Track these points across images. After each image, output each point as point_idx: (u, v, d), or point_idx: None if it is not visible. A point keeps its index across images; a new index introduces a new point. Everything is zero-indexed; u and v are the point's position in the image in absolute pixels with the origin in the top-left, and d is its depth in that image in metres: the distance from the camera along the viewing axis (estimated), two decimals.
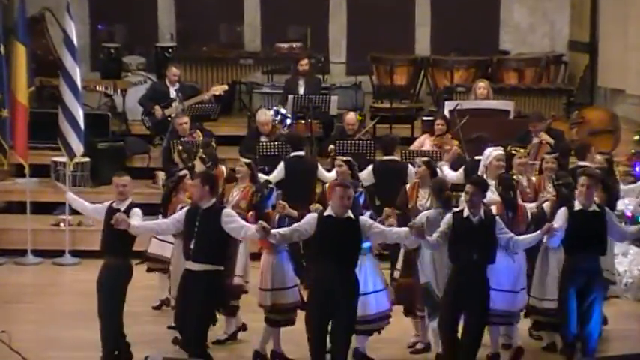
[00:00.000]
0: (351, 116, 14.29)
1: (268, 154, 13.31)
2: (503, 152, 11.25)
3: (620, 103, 17.01)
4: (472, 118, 14.07)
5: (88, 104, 15.53)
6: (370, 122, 15.88)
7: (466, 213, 9.30)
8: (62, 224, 13.80)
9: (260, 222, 9.25)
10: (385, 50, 17.41)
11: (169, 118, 14.81)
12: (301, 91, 15.57)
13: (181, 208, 9.92)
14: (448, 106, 14.49)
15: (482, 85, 14.92)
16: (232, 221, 9.31)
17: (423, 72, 17.31)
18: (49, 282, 13.00)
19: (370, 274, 9.94)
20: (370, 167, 12.49)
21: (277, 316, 10.10)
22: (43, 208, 14.22)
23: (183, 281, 9.43)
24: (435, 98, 16.85)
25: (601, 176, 10.28)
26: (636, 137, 15.37)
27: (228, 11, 18.32)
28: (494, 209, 9.99)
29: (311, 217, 9.21)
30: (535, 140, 13.50)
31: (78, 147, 13.62)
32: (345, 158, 11.16)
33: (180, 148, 11.76)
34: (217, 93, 15.51)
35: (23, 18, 13.91)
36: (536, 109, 15.41)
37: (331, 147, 13.30)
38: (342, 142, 13.66)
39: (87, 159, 14.42)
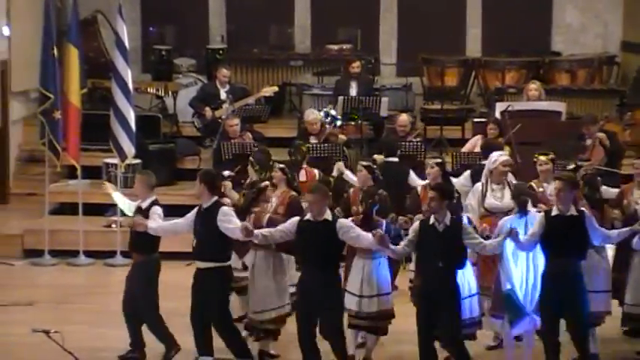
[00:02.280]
0: (403, 118, 14.24)
1: (318, 155, 13.27)
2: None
3: None
4: (523, 119, 13.97)
5: (139, 106, 15.63)
6: (420, 123, 15.82)
7: (432, 220, 9.29)
8: (113, 225, 13.87)
9: (243, 223, 9.40)
10: (436, 51, 17.34)
11: (219, 120, 14.83)
12: (353, 92, 15.53)
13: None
14: (499, 107, 14.37)
15: (533, 87, 14.79)
16: (227, 220, 9.50)
17: (473, 73, 17.24)
18: (101, 283, 13.07)
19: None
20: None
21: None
22: (94, 210, 14.30)
23: (194, 280, 9.75)
24: (486, 100, 16.76)
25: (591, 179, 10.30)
26: None
27: (278, 13, 18.33)
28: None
29: (294, 219, 9.51)
30: (588, 142, 13.36)
31: (129, 148, 13.69)
32: (365, 162, 11.05)
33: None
34: (267, 94, 15.53)
35: (76, 20, 14.01)
36: (590, 111, 15.29)
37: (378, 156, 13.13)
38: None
39: (138, 160, 14.45)
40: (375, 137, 15.01)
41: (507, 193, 10.46)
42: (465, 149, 13.79)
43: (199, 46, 17.78)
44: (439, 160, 10.97)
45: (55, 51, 13.59)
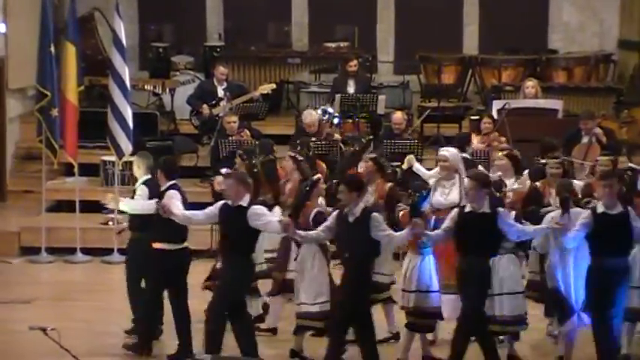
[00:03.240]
0: (398, 115, 14.24)
1: (317, 153, 13.25)
2: (448, 153, 10.81)
3: None
4: (520, 117, 14.01)
5: (136, 103, 15.61)
6: (417, 121, 15.83)
7: (346, 211, 9.45)
8: (111, 223, 13.86)
9: (284, 219, 9.44)
10: (433, 49, 17.34)
11: (217, 117, 14.82)
12: (351, 90, 15.54)
13: (316, 213, 9.94)
14: (496, 105, 14.41)
15: (530, 84, 14.80)
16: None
17: (470, 71, 17.25)
18: (98, 280, 13.06)
19: (507, 276, 9.83)
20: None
21: (417, 319, 9.97)
22: (91, 207, 14.27)
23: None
24: (483, 97, 16.79)
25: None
26: None
27: (275, 10, 18.31)
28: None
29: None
30: (585, 139, 13.36)
31: (127, 146, 13.65)
32: (372, 155, 11.05)
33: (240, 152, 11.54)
34: (265, 92, 15.52)
35: (73, 18, 13.99)
36: (587, 109, 15.29)
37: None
38: (389, 141, 13.61)
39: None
40: (372, 134, 15.01)
41: (456, 190, 10.34)
42: None
43: (197, 43, 17.78)
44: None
45: (53, 48, 13.56)
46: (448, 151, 10.76)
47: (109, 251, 13.78)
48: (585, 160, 13.05)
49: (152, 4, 18.31)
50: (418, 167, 12.00)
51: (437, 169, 11.24)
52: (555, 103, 14.75)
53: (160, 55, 17.03)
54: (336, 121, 14.84)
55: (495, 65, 17.03)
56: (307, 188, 10.00)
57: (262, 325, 10.72)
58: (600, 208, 9.55)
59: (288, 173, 11.01)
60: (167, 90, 16.37)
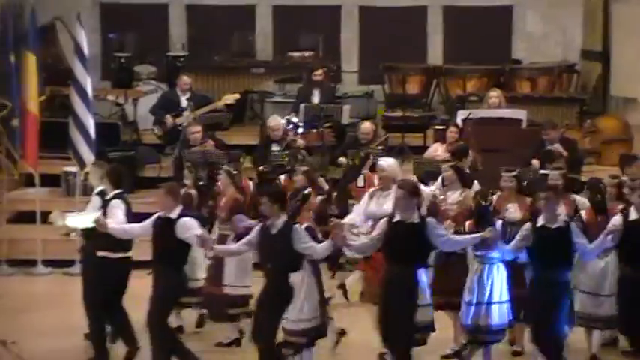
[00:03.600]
0: (367, 126, 14.20)
1: (279, 163, 13.20)
2: (386, 163, 10.91)
3: (633, 111, 16.87)
4: (485, 127, 14.01)
5: (98, 113, 15.47)
6: (382, 131, 15.79)
7: (268, 223, 9.53)
8: (72, 234, 13.68)
9: (201, 233, 9.49)
10: (398, 59, 17.34)
11: (180, 128, 14.74)
12: (315, 100, 15.53)
13: (306, 227, 9.85)
14: (461, 115, 14.42)
15: (494, 94, 14.83)
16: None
17: (435, 81, 17.26)
18: (60, 292, 12.93)
19: (497, 284, 9.85)
20: None
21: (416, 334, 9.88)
22: None
23: None
24: (448, 107, 16.79)
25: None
26: None
27: (239, 20, 18.24)
28: (584, 214, 10.15)
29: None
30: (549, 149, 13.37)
31: (89, 156, 13.56)
32: (304, 168, 11.12)
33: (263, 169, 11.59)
34: (229, 102, 15.46)
35: (34, 27, 13.89)
36: (550, 119, 15.32)
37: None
38: (353, 151, 13.56)
39: None
40: (337, 144, 14.98)
41: (391, 200, 10.23)
42: (426, 156, 13.76)
43: (160, 53, 17.67)
44: (305, 169, 11.03)
45: (13, 58, 13.45)
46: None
47: (70, 263, 13.64)
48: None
49: (114, 13, 18.19)
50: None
51: (437, 184, 11.32)
52: (519, 113, 14.76)
53: (123, 65, 16.92)
54: (300, 130, 14.80)
55: (460, 75, 17.06)
56: (297, 203, 10.06)
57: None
58: (540, 222, 9.54)
59: (223, 187, 11.06)
60: (130, 100, 16.26)
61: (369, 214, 10.55)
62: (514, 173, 10.78)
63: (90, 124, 13.53)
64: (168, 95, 15.80)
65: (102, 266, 10.20)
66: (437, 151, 13.79)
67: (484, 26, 17.95)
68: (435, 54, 18.24)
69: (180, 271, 9.83)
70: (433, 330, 9.70)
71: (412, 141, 15.77)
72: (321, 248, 9.46)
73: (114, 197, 10.23)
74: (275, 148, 13.99)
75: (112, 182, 10.31)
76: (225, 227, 10.76)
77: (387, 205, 10.35)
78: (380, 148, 13.94)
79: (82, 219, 10.47)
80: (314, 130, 14.99)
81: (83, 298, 10.48)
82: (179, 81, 15.52)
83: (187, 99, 15.33)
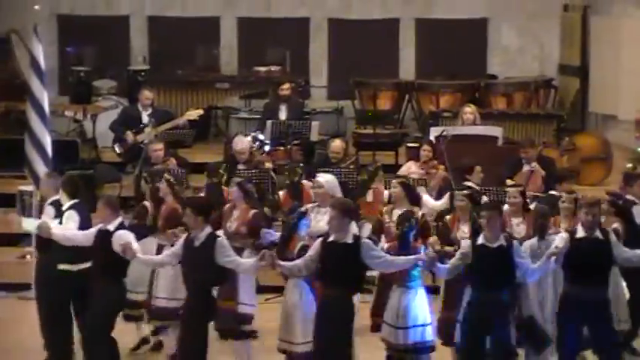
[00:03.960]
0: (337, 144, 14.21)
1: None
2: (323, 180, 11.03)
3: (613, 128, 17.06)
4: (459, 144, 14.07)
5: (56, 130, 15.46)
6: (353, 149, 15.87)
7: (192, 235, 9.67)
8: (28, 256, 13.67)
9: (124, 243, 9.60)
10: (368, 74, 17.43)
11: (142, 145, 14.75)
12: (283, 116, 15.56)
13: (302, 246, 9.94)
14: (434, 132, 14.48)
15: (469, 110, 14.92)
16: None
17: (407, 96, 17.35)
18: (15, 317, 12.85)
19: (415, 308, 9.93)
20: None
21: (413, 356, 9.97)
22: (8, 240, 14.09)
23: None
24: (421, 124, 16.86)
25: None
26: (629, 165, 15.39)
27: (203, 33, 18.31)
28: None
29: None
30: (526, 168, 13.49)
31: None
32: (238, 180, 11.11)
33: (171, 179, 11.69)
34: (192, 118, 15.45)
35: None
36: (527, 136, 15.43)
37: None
38: (324, 170, 13.60)
39: None
40: (305, 162, 15.02)
41: (326, 218, 10.27)
42: (399, 174, 13.82)
43: (120, 67, 17.70)
44: (239, 180, 11.10)
45: None
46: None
47: (26, 286, 13.56)
48: (527, 188, 13.17)
49: (73, 25, 18.20)
50: (427, 198, 12.09)
51: (444, 199, 11.42)
52: (495, 130, 14.86)
53: (81, 79, 16.93)
54: (267, 148, 14.84)
55: (433, 91, 17.16)
56: (295, 220, 10.11)
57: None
58: (481, 240, 9.56)
59: (163, 196, 11.20)
60: (89, 116, 16.24)
61: (307, 232, 10.55)
62: (466, 192, 10.83)
63: (47, 141, 13.45)
64: (128, 111, 15.79)
65: (60, 280, 10.27)
66: (410, 169, 13.87)
67: (458, 40, 18.09)
68: (407, 68, 18.35)
69: (120, 284, 9.98)
70: (432, 350, 9.88)
71: (383, 159, 15.84)
72: (247, 265, 9.55)
73: (70, 208, 10.32)
74: (241, 167, 13.99)
75: (68, 192, 10.44)
76: (162, 237, 10.83)
77: (322, 224, 10.44)
78: (351, 167, 14.01)
79: (32, 224, 10.63)
80: (281, 148, 15.04)
81: (40, 316, 10.52)
82: (140, 96, 15.51)
83: (149, 115, 15.32)
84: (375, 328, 10.42)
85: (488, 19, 18.40)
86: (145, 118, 15.32)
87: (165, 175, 11.42)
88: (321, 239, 9.50)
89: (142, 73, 17.34)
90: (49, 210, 10.59)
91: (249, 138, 14.63)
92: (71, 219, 10.27)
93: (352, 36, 18.25)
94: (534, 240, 10.11)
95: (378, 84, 17.23)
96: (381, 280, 10.53)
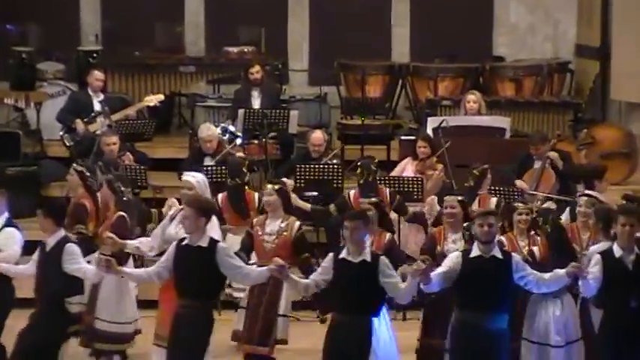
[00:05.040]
0: (318, 135, 14.27)
1: (214, 179, 13.22)
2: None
3: (638, 119, 17.08)
4: (461, 138, 14.10)
5: None
6: (337, 142, 15.86)
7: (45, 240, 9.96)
8: None
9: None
10: (355, 56, 17.42)
11: (94, 137, 14.70)
12: (256, 104, 15.55)
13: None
14: (431, 123, 14.53)
15: (472, 98, 14.97)
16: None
17: (400, 82, 17.34)
18: None
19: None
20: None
21: None
22: None
23: None
24: (416, 114, 16.89)
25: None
26: None
27: (165, 9, 18.27)
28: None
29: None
30: (537, 165, 13.51)
31: None
32: (109, 177, 11.34)
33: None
34: (151, 104, 15.47)
35: None
36: (538, 128, 15.46)
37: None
38: (304, 166, 13.62)
39: None
40: (283, 158, 15.02)
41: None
42: (394, 174, 13.84)
43: (69, 47, 17.63)
44: (110, 177, 11.29)
45: None
46: (194, 177, 11.09)
47: None
48: (537, 189, 13.21)
49: (14, 0, 18.16)
50: None
51: None
52: (502, 121, 14.90)
53: (24, 62, 16.89)
54: (238, 141, 14.81)
55: (430, 75, 17.14)
56: None
57: None
58: (475, 251, 9.44)
59: (72, 188, 11.51)
60: (32, 104, 16.18)
61: (167, 238, 10.68)
62: (459, 198, 10.94)
63: None
64: (78, 97, 15.75)
65: None
66: (406, 167, 13.89)
67: (460, 17, 18.08)
68: (401, 50, 18.34)
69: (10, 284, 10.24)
70: None
71: (373, 154, 15.80)
72: (92, 272, 9.73)
73: (5, 225, 10.39)
74: (208, 162, 13.99)
75: None
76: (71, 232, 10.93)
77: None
78: (334, 162, 14.02)
79: None
80: (255, 142, 15.03)
81: None
82: (90, 77, 15.47)
83: (101, 102, 15.29)
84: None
85: None
86: (97, 106, 15.30)
87: (75, 165, 11.63)
88: (175, 242, 9.58)
89: (94, 55, 17.28)
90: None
91: (218, 130, 14.63)
92: (12, 240, 10.31)
93: (338, 13, 18.23)
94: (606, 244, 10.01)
95: (367, 67, 17.21)
96: None
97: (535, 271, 9.52)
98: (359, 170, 12.70)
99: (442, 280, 9.35)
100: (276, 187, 11.08)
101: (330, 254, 9.50)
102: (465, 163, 13.29)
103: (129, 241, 10.71)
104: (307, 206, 12.99)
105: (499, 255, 9.39)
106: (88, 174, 11.49)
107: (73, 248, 9.75)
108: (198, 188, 10.95)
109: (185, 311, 9.41)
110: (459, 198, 10.96)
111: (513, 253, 9.61)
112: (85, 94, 15.61)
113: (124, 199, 11.04)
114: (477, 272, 9.33)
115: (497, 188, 12.57)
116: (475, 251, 9.41)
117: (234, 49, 17.43)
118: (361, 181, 12.69)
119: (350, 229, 9.31)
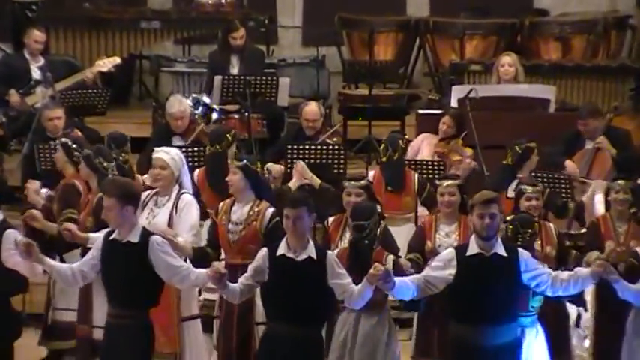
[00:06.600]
0: (312, 108, 14.23)
1: (189, 162, 13.19)
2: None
3: None
4: (493, 112, 14.10)
5: None
6: (338, 117, 15.85)
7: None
8: None
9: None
10: (361, 9, 17.46)
11: (33, 110, 14.70)
12: (235, 70, 15.60)
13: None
14: (457, 93, 14.54)
15: (507, 61, 14.97)
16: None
17: (418, 42, 17.39)
18: None
19: None
20: None
21: None
22: None
23: None
24: (437, 81, 16.92)
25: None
26: None
27: None
28: None
29: None
30: (588, 146, 13.50)
31: None
32: (363, 183, 11.12)
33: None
34: (105, 69, 15.43)
35: None
36: (590, 99, 15.45)
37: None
38: (297, 147, 13.57)
39: None
40: (270, 137, 15.01)
41: (167, 210, 10.79)
42: (408, 156, 13.80)
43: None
44: (87, 153, 11.34)
45: None
46: (168, 154, 11.01)
47: None
48: (590, 174, 13.21)
49: None
50: None
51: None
52: (545, 90, 14.91)
53: None
54: (215, 116, 14.81)
55: (455, 34, 17.26)
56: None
57: None
58: (473, 248, 9.32)
59: (59, 166, 11.69)
60: None
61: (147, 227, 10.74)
62: (458, 182, 10.97)
63: None
64: (12, 61, 15.78)
65: None
66: (422, 146, 13.89)
67: None
68: (418, 1, 18.36)
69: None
70: None
71: (383, 132, 15.78)
72: (26, 266, 9.69)
73: None
74: (178, 142, 13.97)
75: None
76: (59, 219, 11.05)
77: (160, 217, 10.69)
78: (334, 142, 13.99)
79: None
80: (236, 116, 15.04)
81: None
82: (27, 39, 15.46)
83: (41, 67, 15.32)
84: None
85: None
86: (36, 72, 15.32)
87: (62, 139, 11.74)
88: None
89: (33, 7, 17.27)
90: None
91: (189, 101, 14.63)
92: None
93: None
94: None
95: (376, 23, 17.27)
96: None
97: (549, 269, 9.43)
98: (382, 146, 12.66)
99: (418, 287, 9.25)
100: (240, 163, 11.00)
101: (264, 250, 9.43)
102: (496, 143, 13.26)
103: (93, 235, 10.66)
104: (317, 182, 12.89)
105: (502, 252, 9.25)
106: (75, 147, 11.60)
107: (11, 233, 9.77)
108: (172, 167, 10.85)
109: (116, 322, 9.42)
110: (458, 182, 10.93)
111: (519, 249, 9.51)
112: (20, 58, 15.64)
113: (109, 177, 11.02)
114: (476, 274, 9.21)
115: (539, 174, 12.52)
116: (473, 248, 9.28)
117: (209, 1, 17.43)
118: (384, 159, 12.61)
119: (292, 218, 9.26)
